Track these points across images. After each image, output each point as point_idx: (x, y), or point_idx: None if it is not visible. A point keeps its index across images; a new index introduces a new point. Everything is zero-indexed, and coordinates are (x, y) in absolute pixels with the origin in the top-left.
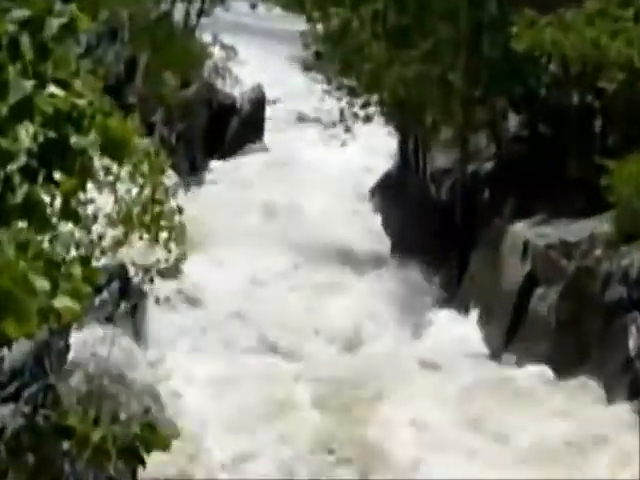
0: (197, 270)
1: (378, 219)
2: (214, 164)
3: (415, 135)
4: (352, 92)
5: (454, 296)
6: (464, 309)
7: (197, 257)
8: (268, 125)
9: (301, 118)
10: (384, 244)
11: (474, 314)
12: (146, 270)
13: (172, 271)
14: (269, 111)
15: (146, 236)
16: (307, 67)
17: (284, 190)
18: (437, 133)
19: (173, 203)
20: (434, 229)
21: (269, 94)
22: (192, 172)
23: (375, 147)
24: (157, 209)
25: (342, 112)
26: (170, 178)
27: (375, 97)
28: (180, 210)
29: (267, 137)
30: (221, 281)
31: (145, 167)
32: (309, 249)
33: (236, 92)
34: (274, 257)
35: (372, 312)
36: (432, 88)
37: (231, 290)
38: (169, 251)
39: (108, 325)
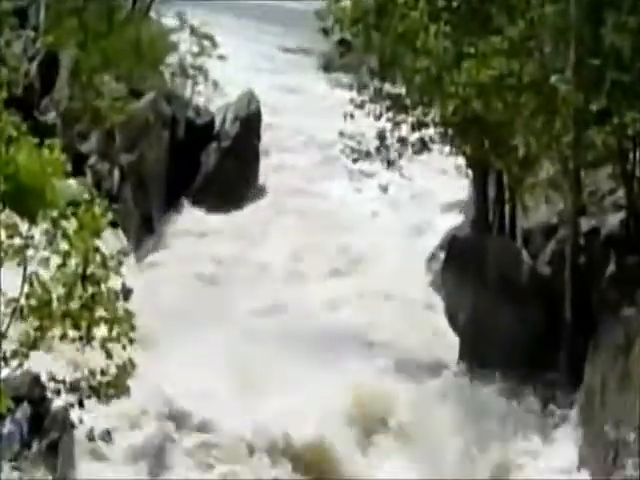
0: (151, 387)
1: (439, 304)
2: (181, 220)
3: (498, 172)
4: (397, 104)
5: (560, 429)
6: (583, 458)
7: (153, 365)
8: (266, 158)
9: (319, 146)
10: (447, 343)
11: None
12: (73, 387)
13: (114, 388)
14: (267, 135)
15: (73, 333)
16: (327, 65)
17: (291, 265)
18: (533, 169)
19: (116, 281)
20: (527, 322)
21: (267, 108)
22: (146, 232)
23: (433, 192)
24: (90, 291)
25: (382, 136)
26: (111, 242)
27: (434, 112)
28: (127, 292)
29: (265, 176)
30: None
31: (71, 226)
32: (335, 351)
33: (215, 105)
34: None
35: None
36: (526, 97)
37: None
38: (109, 356)
39: (13, 474)
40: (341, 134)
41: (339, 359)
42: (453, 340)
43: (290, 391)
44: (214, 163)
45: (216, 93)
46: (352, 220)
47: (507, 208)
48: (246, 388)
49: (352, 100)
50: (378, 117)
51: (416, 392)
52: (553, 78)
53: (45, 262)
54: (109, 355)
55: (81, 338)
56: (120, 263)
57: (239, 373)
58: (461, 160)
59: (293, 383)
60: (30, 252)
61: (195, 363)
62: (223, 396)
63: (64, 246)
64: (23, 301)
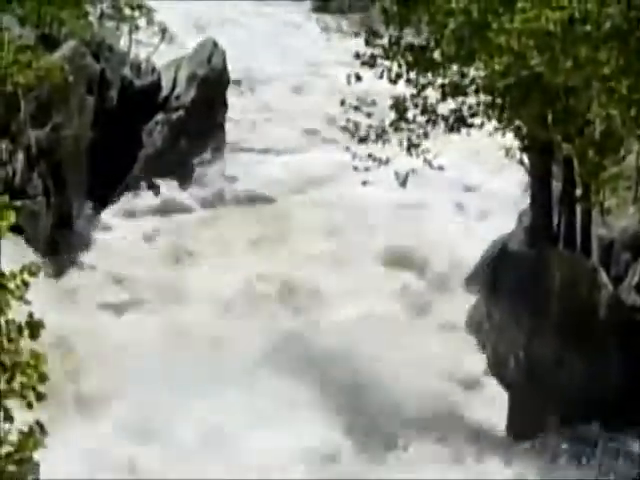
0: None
1: (472, 346)
2: (113, 221)
3: (566, 160)
4: (423, 61)
5: None
6: None
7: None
8: (236, 134)
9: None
10: (493, 404)
11: None
12: None
13: (16, 463)
14: (237, 104)
15: None
16: (321, 4)
17: (272, 275)
18: (617, 155)
19: (19, 311)
20: (606, 371)
21: (240, 65)
22: (64, 239)
23: (472, 186)
24: None
25: (400, 106)
26: (13, 255)
27: (475, 73)
28: (35, 326)
29: (232, 159)
30: None
31: None
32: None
33: (162, 60)
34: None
35: None
36: (607, 52)
37: None
38: (8, 418)
39: None
40: (342, 103)
41: None
42: (498, 397)
43: None
44: (160, 142)
45: (165, 43)
46: (357, 218)
47: (579, 210)
48: None
49: (358, 55)
50: (395, 79)
51: None
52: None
53: None
54: (9, 416)
55: None
56: (26, 284)
57: None
58: (514, 141)
59: None
60: None
61: None
62: None
63: None
64: None
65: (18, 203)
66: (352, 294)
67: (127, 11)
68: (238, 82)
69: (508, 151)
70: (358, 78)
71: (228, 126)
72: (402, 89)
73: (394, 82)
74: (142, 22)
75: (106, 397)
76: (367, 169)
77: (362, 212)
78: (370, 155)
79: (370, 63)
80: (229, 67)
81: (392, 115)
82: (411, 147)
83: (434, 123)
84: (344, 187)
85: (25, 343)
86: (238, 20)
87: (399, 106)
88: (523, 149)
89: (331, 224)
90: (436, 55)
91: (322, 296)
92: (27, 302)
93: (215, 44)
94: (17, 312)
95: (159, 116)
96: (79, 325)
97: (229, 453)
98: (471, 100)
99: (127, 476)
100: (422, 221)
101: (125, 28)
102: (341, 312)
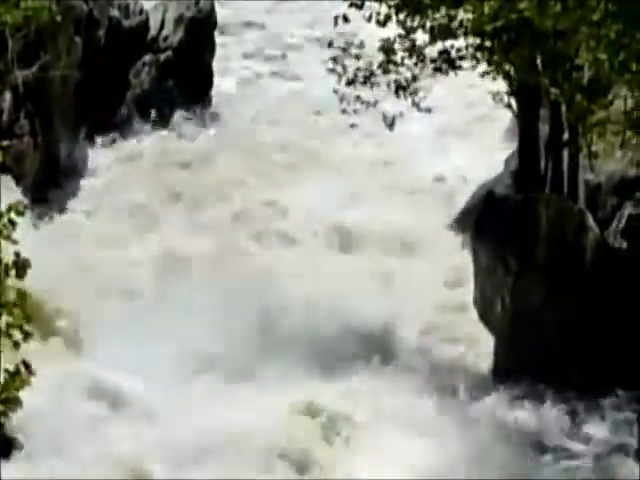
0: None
1: (466, 289)
2: (100, 161)
3: (554, 104)
4: (411, 3)
5: None
6: None
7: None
8: (223, 76)
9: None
10: (480, 346)
11: None
12: None
13: (3, 403)
14: (225, 43)
15: None
16: None
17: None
18: (604, 99)
19: (6, 250)
20: (594, 316)
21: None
22: (51, 178)
23: (459, 130)
24: None
25: (388, 48)
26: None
27: (464, 15)
28: (22, 266)
29: (220, 103)
30: None
31: None
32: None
33: (148, 2)
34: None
35: None
36: None
37: None
38: None
39: None
40: (330, 45)
41: None
42: (485, 341)
43: None
44: (148, 83)
45: None
46: (342, 166)
47: (566, 154)
48: None
49: None
50: (383, 22)
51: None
52: None
53: None
54: None
55: None
56: (13, 224)
57: None
58: (502, 85)
59: None
60: None
61: None
62: None
63: None
64: None
65: (5, 143)
66: None
67: None
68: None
69: (496, 95)
70: (345, 19)
71: None
72: (390, 31)
73: (383, 24)
74: None
75: None
76: (355, 111)
77: None
78: (358, 97)
79: (358, 4)
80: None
81: (380, 57)
82: (399, 89)
83: (422, 65)
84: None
85: (11, 282)
86: None
87: (387, 47)
88: (511, 93)
89: None
90: None
91: None
92: (14, 241)
93: None
94: (5, 251)
95: (146, 57)
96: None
97: None
98: (460, 43)
99: None
100: None
101: None
102: None
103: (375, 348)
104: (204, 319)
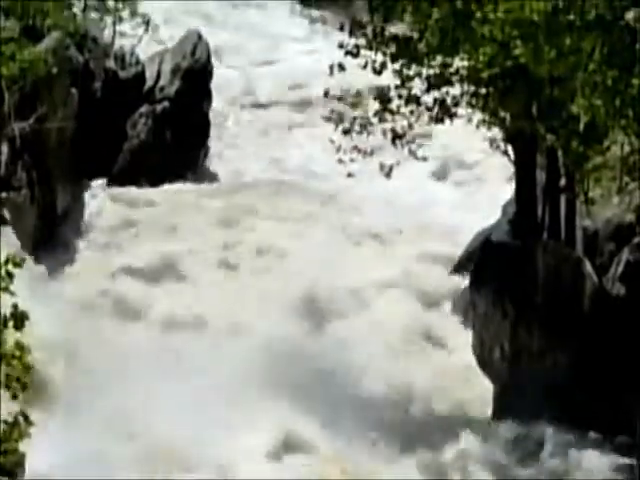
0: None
1: (464, 339)
2: (97, 212)
3: (550, 150)
4: (407, 52)
5: None
6: None
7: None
8: (219, 128)
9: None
10: (475, 392)
11: None
12: None
13: (2, 455)
14: (221, 95)
15: None
16: None
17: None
18: (601, 145)
19: (4, 302)
20: (591, 363)
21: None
22: (49, 230)
23: (461, 180)
24: None
25: (384, 96)
26: None
27: (460, 64)
28: (20, 318)
29: (217, 156)
30: None
31: None
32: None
33: (146, 52)
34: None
35: None
36: (591, 42)
37: None
38: None
39: None
40: (326, 94)
41: None
42: (484, 388)
43: None
44: (145, 134)
45: (149, 35)
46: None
47: (563, 200)
48: None
49: (342, 45)
50: (379, 70)
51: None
52: (629, 14)
53: None
54: None
55: None
56: (10, 276)
57: None
58: (497, 132)
59: None
60: None
61: None
62: None
63: None
64: None
65: (3, 195)
66: None
67: (111, 3)
68: None
69: (492, 142)
70: (341, 68)
71: None
72: (386, 80)
73: (378, 73)
74: (126, 14)
75: None
76: (352, 160)
77: None
78: (355, 147)
79: (353, 53)
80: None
81: (376, 105)
82: (396, 138)
83: (418, 114)
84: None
85: (10, 334)
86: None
87: (383, 96)
88: (508, 140)
89: None
90: (421, 46)
91: None
92: (12, 293)
93: (199, 36)
94: (4, 302)
95: (143, 108)
96: None
97: None
98: (455, 91)
99: None
100: None
101: (109, 20)
102: None
103: None
104: None
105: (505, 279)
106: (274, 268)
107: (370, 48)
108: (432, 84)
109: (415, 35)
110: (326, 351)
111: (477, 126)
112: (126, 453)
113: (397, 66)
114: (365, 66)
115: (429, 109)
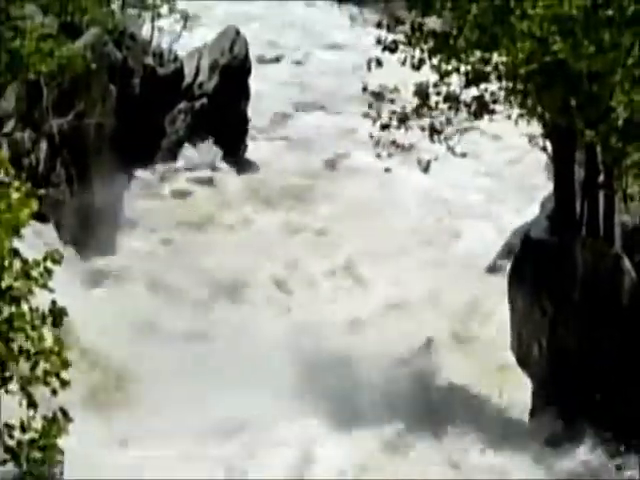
0: None
1: (503, 335)
2: (137, 209)
3: (589, 146)
4: (446, 48)
5: None
6: None
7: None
8: (258, 123)
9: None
10: (514, 389)
11: None
12: None
13: (40, 450)
14: (260, 89)
15: None
16: None
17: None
18: (638, 147)
19: (43, 298)
20: (632, 358)
21: (260, 50)
22: (88, 226)
23: (496, 173)
24: (6, 312)
25: (422, 92)
26: (36, 243)
27: (498, 59)
28: (59, 314)
29: (256, 150)
30: None
31: None
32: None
33: (185, 48)
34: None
35: None
36: (631, 37)
37: None
38: (32, 404)
39: None
40: (364, 90)
41: None
42: (522, 384)
43: None
44: (183, 130)
45: (187, 31)
46: (382, 213)
47: (601, 197)
48: None
49: (380, 41)
50: (417, 66)
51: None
52: None
53: None
54: (32, 403)
55: None
56: (49, 272)
57: None
58: (536, 128)
59: None
60: None
61: None
62: None
63: None
64: None
65: (42, 191)
66: None
67: None
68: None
69: (531, 138)
70: (379, 63)
71: None
72: (424, 76)
73: (417, 68)
74: (164, 10)
75: None
76: (390, 155)
77: None
78: (394, 142)
79: (391, 48)
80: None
81: (414, 101)
82: (434, 133)
83: (456, 110)
84: None
85: (48, 331)
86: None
87: (421, 92)
88: (546, 136)
89: None
90: (459, 42)
91: None
92: (50, 290)
93: (237, 32)
94: (42, 299)
95: (182, 104)
96: None
97: None
98: (494, 87)
99: None
100: None
101: (147, 16)
102: None
103: None
104: None
105: (543, 276)
106: None
107: (408, 44)
108: (470, 80)
109: (453, 31)
110: None
111: (515, 122)
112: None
113: (435, 62)
114: (404, 62)
115: (467, 105)
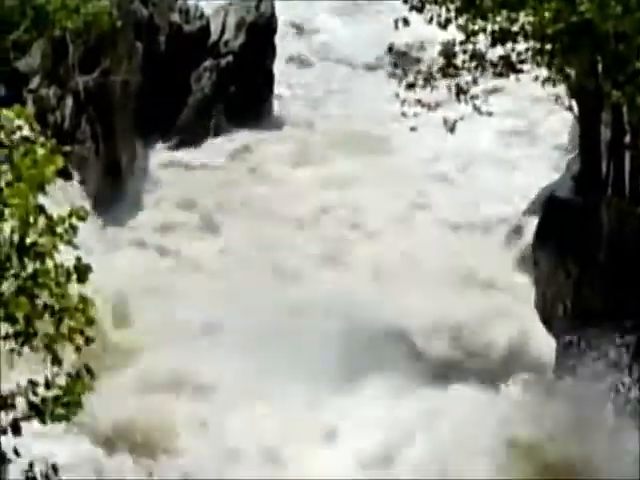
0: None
1: (527, 292)
2: (161, 167)
3: (616, 107)
4: (472, 6)
5: None
6: None
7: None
8: (284, 80)
9: (357, 65)
10: (538, 350)
11: None
12: (5, 405)
13: (64, 406)
14: (285, 49)
15: (6, 328)
16: None
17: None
18: None
19: (68, 255)
20: None
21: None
22: (113, 184)
23: (521, 132)
24: (31, 268)
25: (449, 52)
26: (62, 199)
27: (525, 19)
28: (83, 270)
29: (281, 107)
30: None
31: (4, 176)
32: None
33: (211, 5)
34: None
35: None
36: None
37: None
38: (57, 361)
39: None
40: (390, 49)
41: None
42: (546, 345)
43: None
44: (209, 87)
45: None
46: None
47: (628, 157)
48: None
49: (406, 0)
50: (444, 25)
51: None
52: None
53: None
54: (57, 360)
55: (17, 335)
56: (74, 229)
57: None
58: (563, 89)
59: None
60: None
61: None
62: None
63: None
64: None
65: (67, 148)
66: None
67: None
68: None
69: (557, 98)
70: (406, 22)
71: None
72: (450, 35)
73: (444, 27)
74: None
75: None
76: (416, 115)
77: None
78: (419, 101)
79: (418, 7)
80: None
81: (440, 61)
82: (460, 93)
83: (483, 69)
84: None
85: (73, 287)
86: None
87: (448, 51)
88: (573, 97)
89: None
90: (486, 0)
91: None
92: (75, 246)
93: None
94: (67, 256)
95: (207, 62)
96: None
97: None
98: (520, 47)
99: None
100: None
101: None
102: None
103: None
104: None
105: (568, 236)
106: None
107: (435, 2)
108: (497, 40)
109: None
110: None
111: (542, 83)
112: None
113: (462, 21)
114: (430, 20)
115: (494, 65)
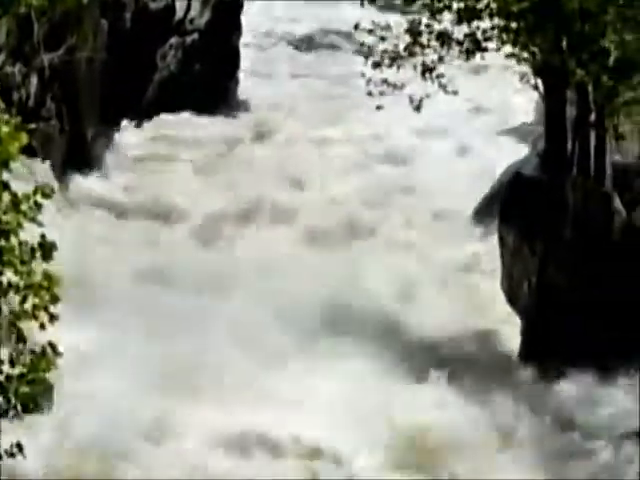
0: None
1: (491, 274)
2: (126, 144)
3: (580, 85)
4: None
5: None
6: None
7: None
8: (249, 59)
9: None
10: (502, 327)
11: None
12: None
13: (29, 384)
14: (250, 26)
15: None
16: None
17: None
18: (632, 80)
19: (32, 232)
20: (620, 296)
21: None
22: (77, 161)
23: (485, 110)
24: None
25: (414, 30)
26: (26, 176)
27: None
28: (48, 248)
29: (247, 87)
30: None
31: None
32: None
33: None
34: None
35: None
36: None
37: None
38: (21, 339)
39: None
40: (356, 27)
41: None
42: (511, 322)
43: None
44: (174, 66)
45: None
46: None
47: (593, 136)
48: None
49: None
50: (410, 3)
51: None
52: None
53: None
54: (21, 337)
55: None
56: (39, 206)
57: None
58: (528, 67)
59: None
60: None
61: None
62: None
63: None
64: None
65: (31, 126)
66: None
67: None
68: None
69: (523, 76)
70: (372, 0)
71: None
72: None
73: (409, 4)
74: None
75: None
76: (382, 94)
77: None
78: (385, 80)
79: None
80: None
81: (406, 39)
82: (425, 72)
83: (449, 47)
84: None
85: (38, 265)
86: None
87: (413, 29)
88: (538, 75)
89: None
90: None
91: None
92: (40, 224)
93: None
94: (31, 233)
95: (173, 39)
96: None
97: None
98: (485, 24)
99: None
100: None
101: None
102: None
103: None
104: None
105: (534, 214)
106: None
107: None
108: (462, 17)
109: None
110: None
111: (507, 59)
112: None
113: None
114: None
115: (460, 43)
